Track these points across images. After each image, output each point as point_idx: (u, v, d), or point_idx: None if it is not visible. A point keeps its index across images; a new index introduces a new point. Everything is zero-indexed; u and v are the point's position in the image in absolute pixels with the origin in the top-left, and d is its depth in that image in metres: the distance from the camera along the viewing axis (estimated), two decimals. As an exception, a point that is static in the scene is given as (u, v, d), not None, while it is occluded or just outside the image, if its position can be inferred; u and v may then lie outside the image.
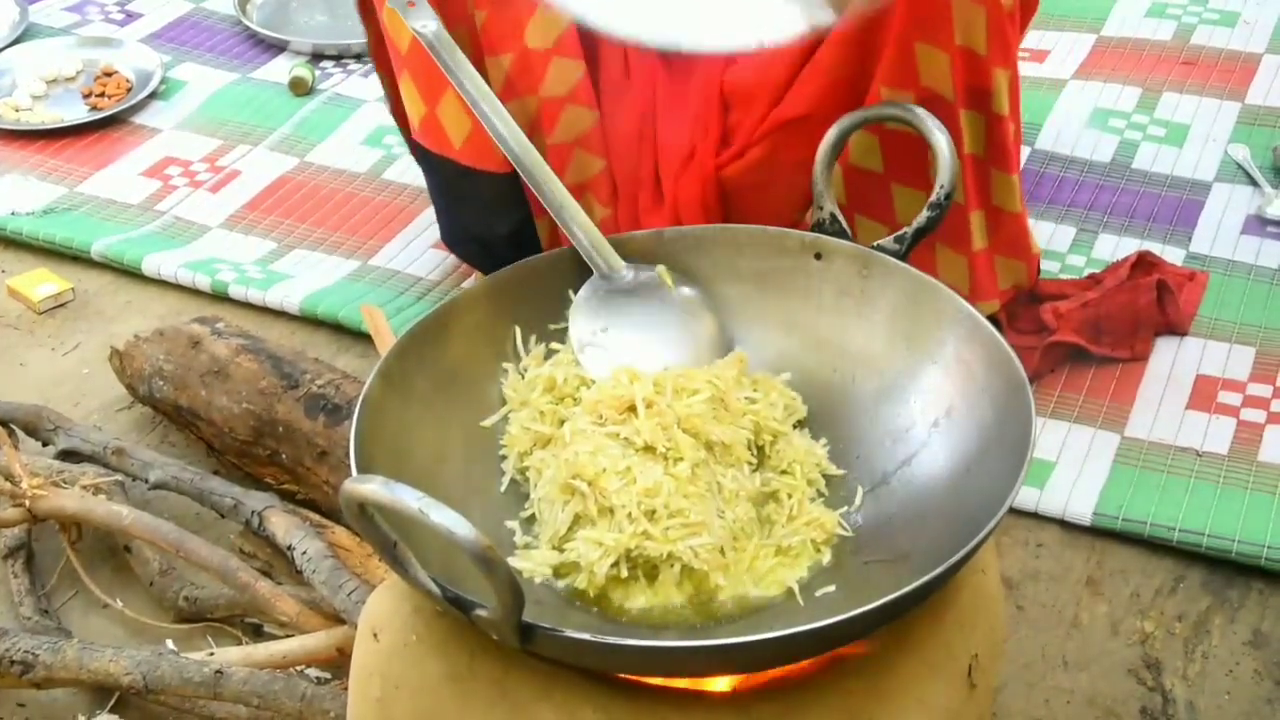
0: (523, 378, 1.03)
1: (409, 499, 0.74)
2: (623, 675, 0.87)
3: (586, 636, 0.81)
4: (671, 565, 0.92)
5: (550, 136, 1.37)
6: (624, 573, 0.92)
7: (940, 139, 1.00)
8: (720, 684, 0.89)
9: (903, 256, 1.03)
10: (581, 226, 1.06)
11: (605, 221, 1.41)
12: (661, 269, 1.06)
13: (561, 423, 0.99)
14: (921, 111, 1.03)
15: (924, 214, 1.02)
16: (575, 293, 1.06)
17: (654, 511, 0.91)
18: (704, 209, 1.37)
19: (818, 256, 1.05)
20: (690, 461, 0.94)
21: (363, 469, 0.89)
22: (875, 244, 1.03)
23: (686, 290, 1.06)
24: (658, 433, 0.95)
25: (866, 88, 1.27)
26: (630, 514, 0.91)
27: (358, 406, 0.93)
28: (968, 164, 1.31)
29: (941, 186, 1.00)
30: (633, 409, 0.97)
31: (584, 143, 1.38)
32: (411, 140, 1.46)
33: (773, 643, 0.83)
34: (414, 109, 1.40)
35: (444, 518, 0.73)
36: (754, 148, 1.34)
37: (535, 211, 1.39)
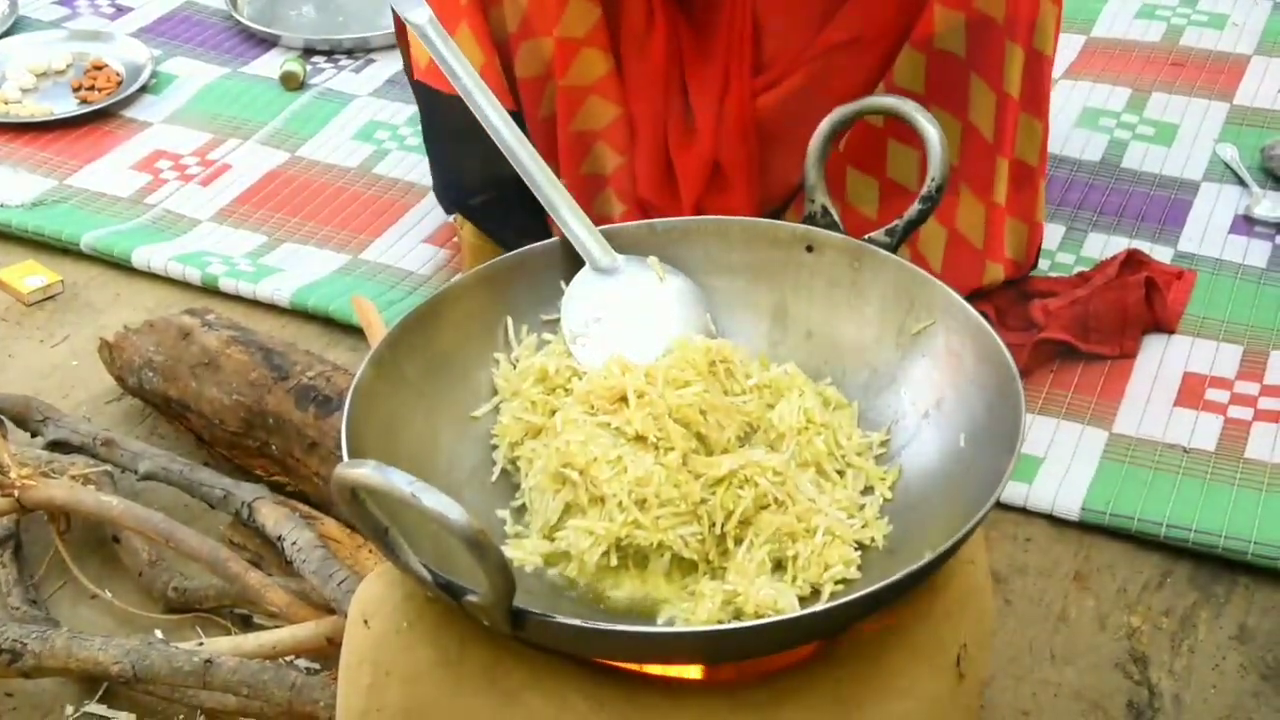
0: (514, 368, 1.04)
1: (401, 483, 0.74)
2: (613, 663, 0.87)
3: (577, 622, 0.81)
4: (661, 555, 0.92)
5: (563, 79, 1.36)
6: (614, 562, 0.92)
7: (931, 132, 1.00)
8: (711, 672, 0.89)
9: (894, 249, 1.03)
10: (575, 217, 1.06)
11: (621, 169, 1.40)
12: (653, 260, 1.06)
13: (553, 413, 0.99)
14: (913, 105, 1.03)
15: (915, 207, 1.02)
16: (567, 284, 1.06)
17: (645, 500, 0.91)
18: (744, 140, 1.36)
19: (809, 249, 1.05)
20: (681, 451, 0.94)
21: (354, 456, 0.89)
22: (866, 236, 1.04)
23: (678, 281, 1.06)
24: (649, 422, 0.95)
25: (921, 8, 1.28)
26: (621, 503, 0.91)
27: (349, 394, 0.93)
28: (1004, 104, 1.32)
29: (933, 179, 1.00)
30: (624, 399, 0.97)
31: (599, 88, 1.37)
32: (418, 85, 1.44)
33: (761, 630, 0.84)
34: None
35: (436, 502, 0.73)
36: (794, 75, 1.33)
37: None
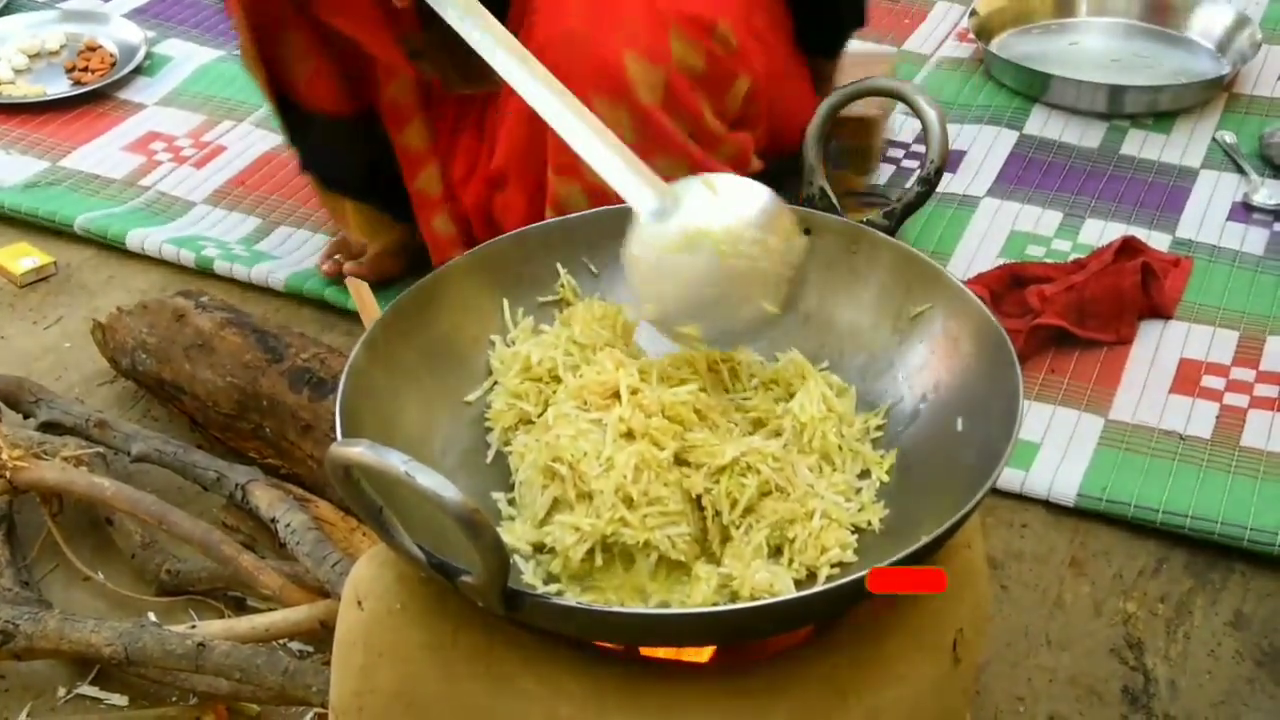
0: (510, 350, 1.03)
1: (395, 461, 0.73)
2: (608, 645, 0.86)
3: (572, 603, 0.81)
4: (648, 554, 0.90)
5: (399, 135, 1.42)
6: (599, 561, 0.90)
7: (930, 114, 1.00)
8: (705, 656, 0.89)
9: (892, 232, 1.02)
10: (619, 156, 0.94)
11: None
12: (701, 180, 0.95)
13: (546, 405, 0.98)
14: (912, 87, 1.02)
15: (913, 188, 1.01)
16: (564, 266, 1.05)
17: (632, 498, 0.90)
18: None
19: (806, 231, 1.04)
20: (672, 450, 0.93)
21: (348, 437, 0.88)
22: (865, 219, 1.03)
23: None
24: (640, 419, 0.93)
25: None
26: (608, 500, 0.90)
27: (344, 375, 0.92)
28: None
29: (932, 161, 0.99)
30: (617, 395, 0.95)
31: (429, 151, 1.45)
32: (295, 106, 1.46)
33: (757, 612, 0.83)
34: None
35: (430, 480, 0.73)
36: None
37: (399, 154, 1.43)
